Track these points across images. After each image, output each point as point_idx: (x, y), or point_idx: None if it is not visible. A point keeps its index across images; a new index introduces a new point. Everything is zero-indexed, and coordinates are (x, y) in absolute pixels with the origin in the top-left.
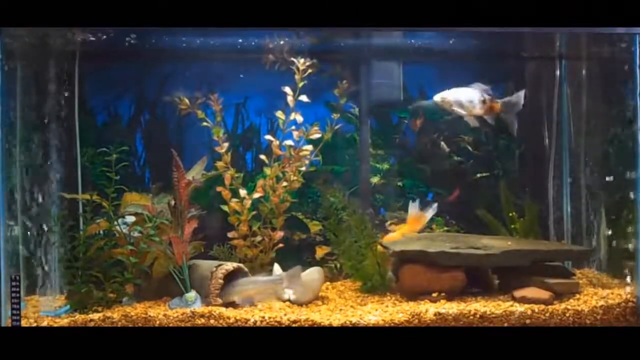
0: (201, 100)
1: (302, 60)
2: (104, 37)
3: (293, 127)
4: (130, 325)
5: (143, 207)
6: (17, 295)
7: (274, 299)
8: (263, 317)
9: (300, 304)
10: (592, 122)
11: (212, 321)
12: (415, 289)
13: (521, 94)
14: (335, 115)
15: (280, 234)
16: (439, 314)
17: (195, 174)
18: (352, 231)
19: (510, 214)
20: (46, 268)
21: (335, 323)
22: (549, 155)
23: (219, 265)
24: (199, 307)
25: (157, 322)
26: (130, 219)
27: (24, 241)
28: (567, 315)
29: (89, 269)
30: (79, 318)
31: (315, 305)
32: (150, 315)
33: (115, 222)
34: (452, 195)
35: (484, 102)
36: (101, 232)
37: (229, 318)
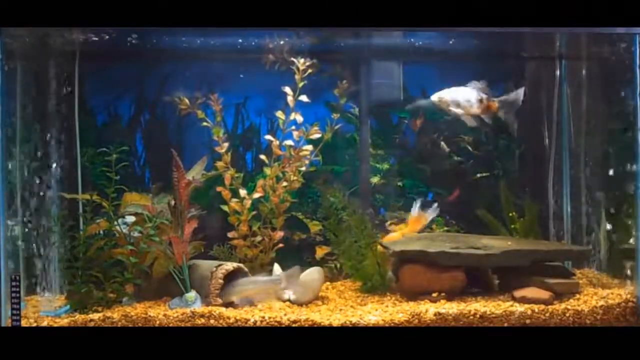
0: (201, 100)
1: (302, 60)
2: (105, 37)
3: (293, 127)
4: (130, 325)
5: (143, 207)
6: (17, 295)
7: (273, 299)
8: (263, 317)
9: (300, 304)
10: (592, 122)
11: (212, 321)
12: (415, 289)
13: (520, 91)
14: (335, 115)
15: (280, 234)
16: (439, 314)
17: (195, 174)
18: (352, 231)
19: (510, 214)
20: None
21: (335, 323)
22: (549, 155)
23: (219, 265)
24: (199, 307)
25: (157, 322)
26: (130, 219)
27: (24, 240)
28: (567, 315)
29: (89, 269)
30: (79, 318)
31: (315, 305)
32: (150, 315)
33: (115, 222)
34: (452, 195)
35: (481, 101)
36: (101, 232)
37: (229, 318)
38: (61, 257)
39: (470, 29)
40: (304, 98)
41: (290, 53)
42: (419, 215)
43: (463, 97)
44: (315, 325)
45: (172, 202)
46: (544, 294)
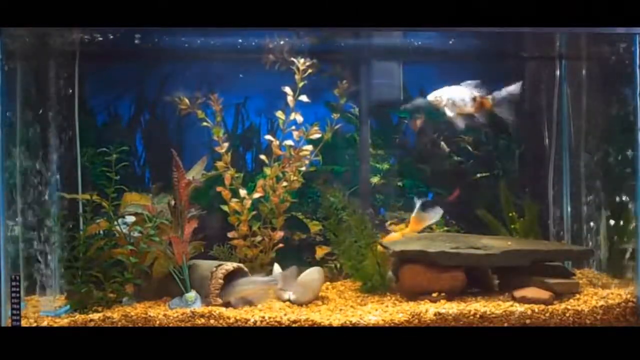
0: (201, 100)
1: (302, 60)
2: (106, 37)
3: (293, 127)
4: (130, 325)
5: (143, 207)
6: (17, 295)
7: (271, 299)
8: (263, 317)
9: (300, 304)
10: (592, 122)
11: (212, 321)
12: (415, 289)
13: (514, 86)
14: (335, 115)
15: (280, 234)
16: (439, 314)
17: (195, 174)
18: (352, 231)
19: (510, 214)
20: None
21: (335, 323)
22: (549, 155)
23: (219, 265)
24: (199, 307)
25: (157, 322)
26: (130, 219)
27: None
28: (567, 315)
29: (89, 269)
30: (79, 318)
31: (315, 305)
32: (150, 315)
33: (115, 222)
34: (452, 195)
35: (474, 99)
36: (101, 232)
37: (229, 318)
38: (61, 257)
39: (470, 29)
40: (304, 98)
41: (290, 53)
42: (420, 216)
43: (457, 96)
44: (315, 325)
45: (172, 202)
46: (544, 294)
